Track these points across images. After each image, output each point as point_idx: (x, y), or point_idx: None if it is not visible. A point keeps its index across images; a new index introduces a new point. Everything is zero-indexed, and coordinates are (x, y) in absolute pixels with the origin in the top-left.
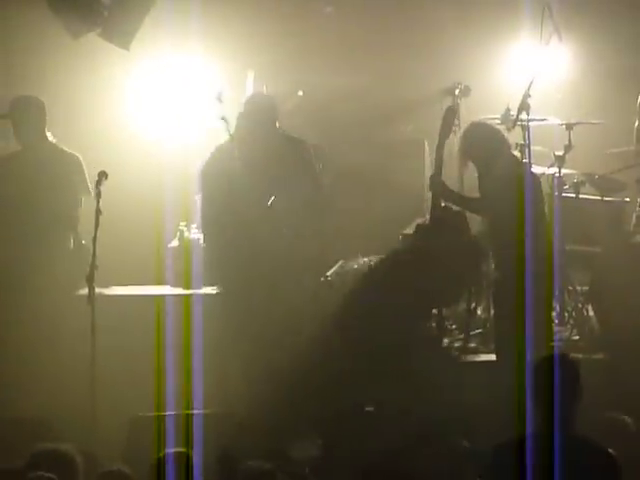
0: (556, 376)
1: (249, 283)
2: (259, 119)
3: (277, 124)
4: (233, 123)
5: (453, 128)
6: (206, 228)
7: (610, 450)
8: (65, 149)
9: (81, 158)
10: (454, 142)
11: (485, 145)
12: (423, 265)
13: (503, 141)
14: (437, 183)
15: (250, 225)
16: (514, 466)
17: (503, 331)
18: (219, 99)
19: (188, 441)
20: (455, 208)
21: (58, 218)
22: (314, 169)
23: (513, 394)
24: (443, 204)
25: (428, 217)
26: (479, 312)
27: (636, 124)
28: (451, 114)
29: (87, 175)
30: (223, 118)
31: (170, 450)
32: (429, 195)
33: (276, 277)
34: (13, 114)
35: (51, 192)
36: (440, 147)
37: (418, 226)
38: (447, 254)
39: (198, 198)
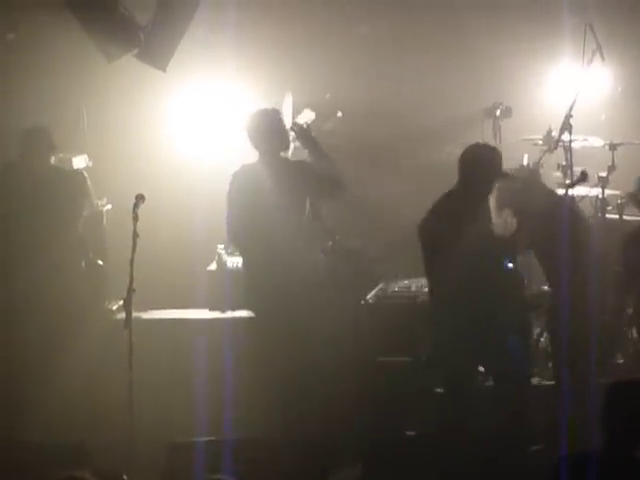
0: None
1: (284, 307)
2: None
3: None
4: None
5: None
6: (239, 252)
7: None
8: (67, 169)
9: (85, 175)
10: None
11: (519, 196)
12: None
13: (536, 186)
14: None
15: (280, 248)
16: None
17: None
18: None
19: (224, 467)
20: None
21: (62, 238)
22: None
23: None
24: None
25: None
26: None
27: None
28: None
29: (91, 190)
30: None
31: (214, 477)
32: None
33: (312, 300)
34: (22, 145)
35: (53, 213)
36: None
37: None
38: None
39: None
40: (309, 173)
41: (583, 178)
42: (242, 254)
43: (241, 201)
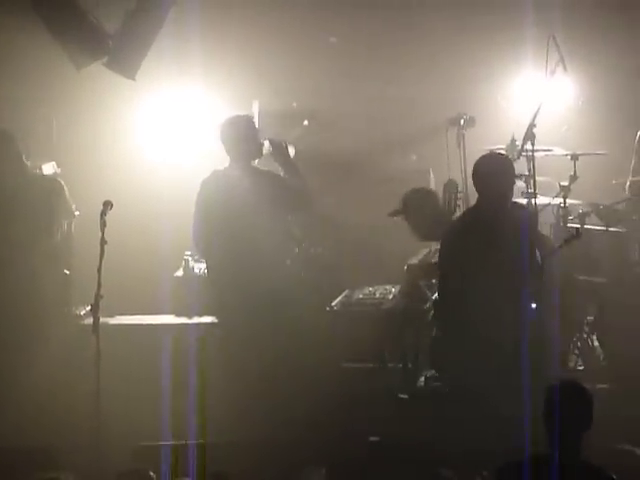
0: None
1: (248, 313)
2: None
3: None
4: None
5: (457, 200)
6: (203, 258)
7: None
8: (44, 175)
9: (62, 182)
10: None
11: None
12: None
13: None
14: None
15: (248, 254)
16: None
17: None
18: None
19: (191, 471)
20: None
21: (38, 246)
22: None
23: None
24: None
25: None
26: None
27: (632, 162)
28: (451, 187)
29: (68, 197)
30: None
31: None
32: None
33: (278, 307)
34: None
35: (29, 220)
36: (447, 223)
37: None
38: None
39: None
40: (278, 184)
41: (577, 236)
42: (206, 260)
43: (210, 206)
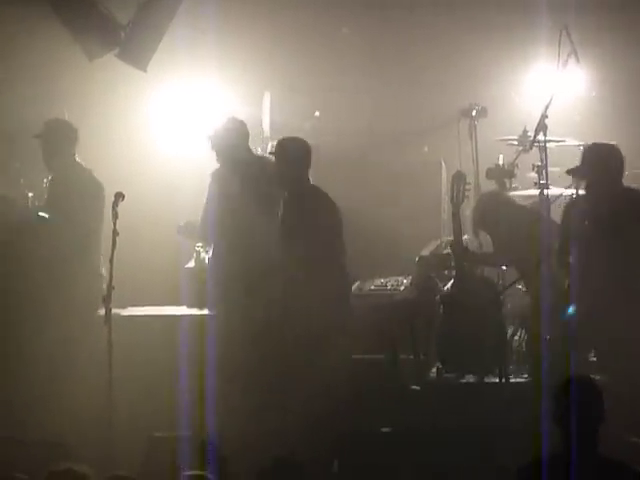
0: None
1: (255, 305)
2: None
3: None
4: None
5: (466, 192)
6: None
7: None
8: (93, 176)
9: (104, 188)
10: None
11: (495, 217)
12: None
13: (512, 208)
14: (459, 252)
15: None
16: None
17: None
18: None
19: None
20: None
21: (79, 241)
22: None
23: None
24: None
25: (453, 283)
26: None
27: None
28: (459, 179)
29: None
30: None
31: (187, 473)
32: (445, 217)
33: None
34: (44, 136)
35: (73, 216)
36: (455, 215)
37: (443, 296)
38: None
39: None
40: None
41: None
42: (214, 249)
43: (221, 197)
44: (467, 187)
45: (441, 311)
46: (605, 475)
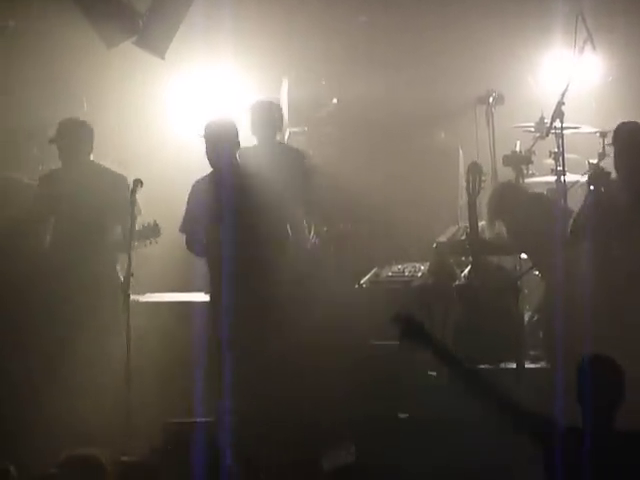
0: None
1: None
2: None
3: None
4: None
5: (482, 183)
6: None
7: None
8: (111, 169)
9: (127, 178)
10: None
11: (510, 206)
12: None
13: (528, 197)
14: (475, 243)
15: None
16: None
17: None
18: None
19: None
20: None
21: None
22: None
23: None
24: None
25: (469, 272)
26: None
27: None
28: (475, 170)
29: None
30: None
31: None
32: (462, 203)
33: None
34: (60, 137)
35: (93, 210)
36: (472, 206)
37: (459, 286)
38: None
39: None
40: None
41: None
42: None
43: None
44: (483, 178)
45: (457, 300)
46: (624, 448)
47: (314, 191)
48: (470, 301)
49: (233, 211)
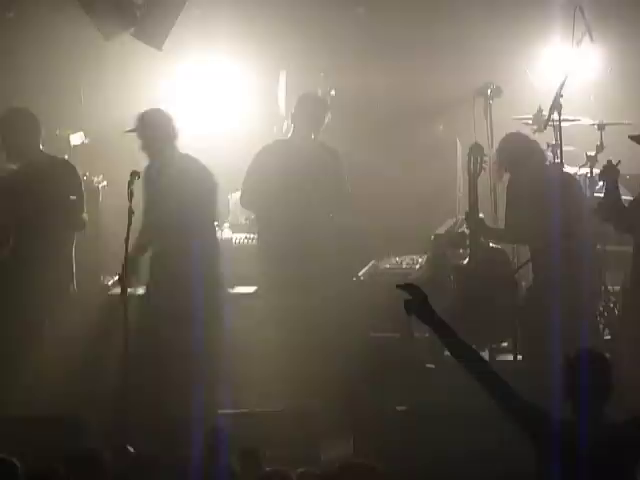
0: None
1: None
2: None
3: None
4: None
5: (483, 164)
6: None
7: None
8: (56, 157)
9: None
10: None
11: (518, 151)
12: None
13: (535, 148)
14: (474, 221)
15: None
16: None
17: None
18: None
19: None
20: (494, 244)
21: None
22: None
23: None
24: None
25: (467, 254)
26: None
27: None
28: (477, 150)
29: (81, 176)
30: None
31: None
32: (461, 195)
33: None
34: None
35: (52, 201)
36: (473, 186)
37: (457, 267)
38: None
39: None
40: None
41: None
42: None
43: (272, 172)
44: (485, 159)
45: (453, 284)
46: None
47: (347, 192)
48: (465, 285)
49: None
